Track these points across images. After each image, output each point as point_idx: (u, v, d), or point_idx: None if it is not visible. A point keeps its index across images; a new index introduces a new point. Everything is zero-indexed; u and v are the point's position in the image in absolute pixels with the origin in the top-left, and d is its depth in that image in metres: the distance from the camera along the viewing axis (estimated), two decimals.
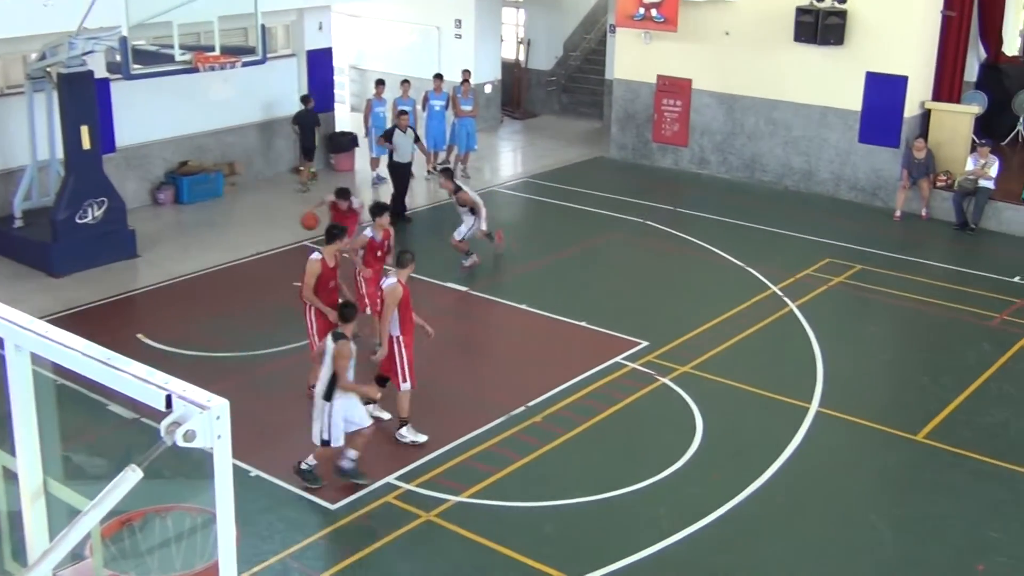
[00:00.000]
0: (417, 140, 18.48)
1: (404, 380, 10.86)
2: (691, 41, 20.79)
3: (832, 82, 19.50)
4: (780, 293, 15.09)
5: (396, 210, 16.76)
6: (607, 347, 13.25)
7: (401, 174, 18.29)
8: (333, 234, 11.68)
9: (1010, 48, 23.01)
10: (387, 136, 18.29)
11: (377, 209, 12.82)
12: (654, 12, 20.14)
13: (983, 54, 22.22)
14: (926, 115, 19.31)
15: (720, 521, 9.76)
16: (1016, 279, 15.88)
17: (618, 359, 12.92)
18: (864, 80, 19.21)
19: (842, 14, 18.97)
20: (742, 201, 19.61)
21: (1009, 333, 13.97)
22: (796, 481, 10.51)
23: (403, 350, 10.83)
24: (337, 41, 22.80)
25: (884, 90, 19.01)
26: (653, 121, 21.90)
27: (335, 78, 22.76)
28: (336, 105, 22.52)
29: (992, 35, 21.89)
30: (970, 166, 18.29)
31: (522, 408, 11.71)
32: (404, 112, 18.39)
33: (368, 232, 12.74)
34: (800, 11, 19.21)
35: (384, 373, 11.09)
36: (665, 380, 12.36)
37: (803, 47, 19.39)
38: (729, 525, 9.74)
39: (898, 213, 18.82)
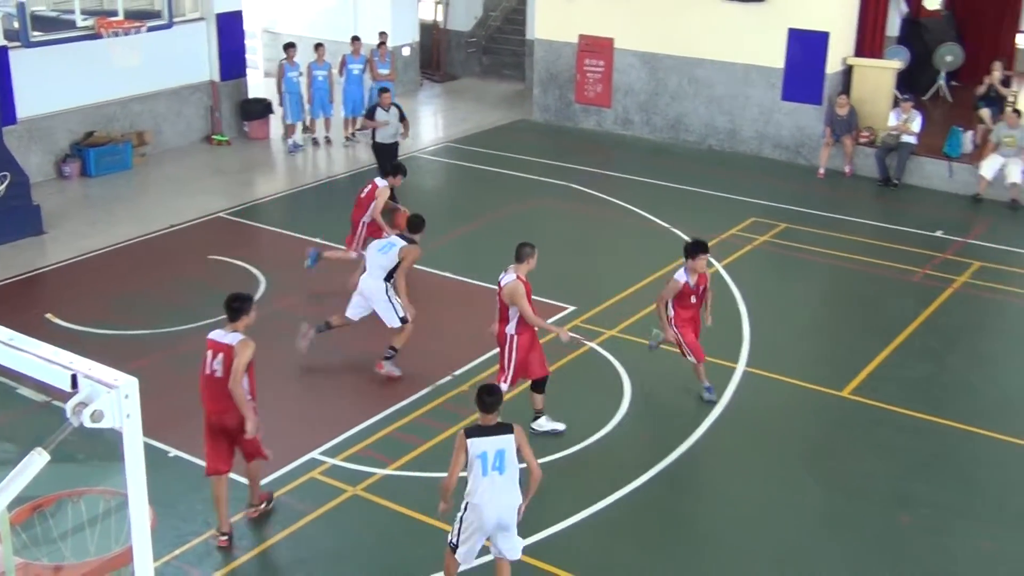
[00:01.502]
0: (403, 118, 17.37)
1: (505, 380, 10.33)
2: (613, 1, 20.85)
3: (754, 39, 19.72)
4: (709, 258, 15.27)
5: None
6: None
7: (387, 155, 16.95)
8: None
9: (931, 2, 23.47)
10: (369, 114, 17.54)
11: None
12: None
13: (904, 9, 22.66)
14: (848, 71, 19.64)
15: (650, 482, 9.93)
16: (938, 233, 16.28)
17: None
18: (786, 37, 19.46)
19: None
20: (667, 162, 19.80)
21: (931, 287, 14.34)
22: (724, 440, 10.73)
23: (514, 349, 10.32)
24: (249, 4, 22.42)
25: (806, 47, 19.27)
26: (576, 82, 21.96)
27: (247, 43, 22.40)
28: (248, 71, 22.18)
29: None
30: (893, 121, 18.65)
31: (448, 377, 11.76)
32: (386, 89, 17.87)
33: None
34: None
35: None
36: (592, 344, 12.48)
37: (725, 4, 19.57)
38: (659, 485, 9.92)
39: (822, 170, 19.15)
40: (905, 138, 18.43)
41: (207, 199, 17.20)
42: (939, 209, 17.50)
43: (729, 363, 12.11)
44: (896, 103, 19.03)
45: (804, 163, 19.64)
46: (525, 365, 10.34)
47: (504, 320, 10.31)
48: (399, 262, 11.52)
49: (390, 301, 11.55)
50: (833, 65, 19.32)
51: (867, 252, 15.58)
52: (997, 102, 19.25)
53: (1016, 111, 18.01)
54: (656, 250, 15.35)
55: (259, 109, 21.08)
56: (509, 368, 10.36)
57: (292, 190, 18.38)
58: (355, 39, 20.72)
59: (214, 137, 20.56)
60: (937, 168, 18.47)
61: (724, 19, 19.80)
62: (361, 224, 13.72)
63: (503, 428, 7.76)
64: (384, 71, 20.55)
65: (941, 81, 22.34)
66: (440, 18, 26.97)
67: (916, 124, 18.46)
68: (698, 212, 17.07)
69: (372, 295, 11.60)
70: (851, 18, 19.56)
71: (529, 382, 10.58)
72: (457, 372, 11.87)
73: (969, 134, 18.70)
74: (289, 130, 20.25)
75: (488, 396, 7.77)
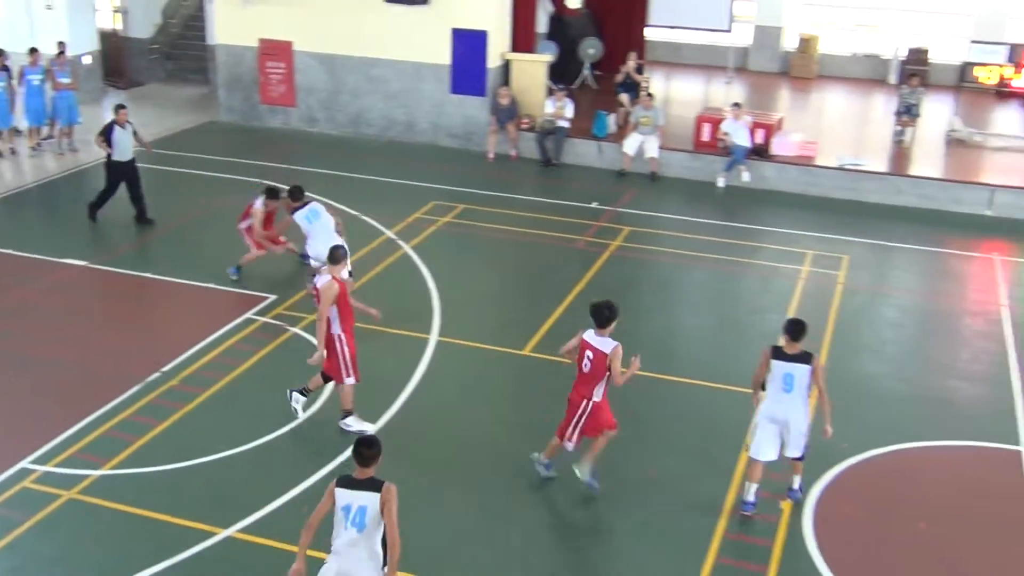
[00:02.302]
0: (135, 132, 15.81)
1: (348, 375, 10.04)
2: (289, 5, 20.49)
3: (422, 39, 19.97)
4: (394, 237, 15.44)
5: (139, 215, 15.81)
6: (237, 305, 12.99)
7: (123, 173, 15.47)
8: None
9: (572, 1, 24.62)
10: (106, 133, 15.27)
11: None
12: None
13: (550, 8, 23.62)
14: (507, 65, 20.28)
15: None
16: (594, 204, 17.21)
17: (248, 315, 12.71)
18: (450, 36, 19.84)
19: None
20: (351, 154, 19.76)
21: (592, 252, 15.16)
22: (423, 405, 10.88)
23: (345, 347, 9.94)
24: None
25: (468, 45, 19.75)
26: (259, 84, 21.43)
27: None
28: None
29: None
30: (548, 109, 19.48)
31: (157, 374, 11.26)
32: (123, 106, 15.85)
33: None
34: None
35: (328, 372, 10.18)
36: (295, 330, 12.32)
37: (394, 7, 19.66)
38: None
39: (491, 155, 19.74)
40: (560, 123, 19.31)
41: None
42: (593, 183, 18.47)
43: (424, 335, 12.31)
44: (550, 92, 19.88)
45: (475, 149, 20.16)
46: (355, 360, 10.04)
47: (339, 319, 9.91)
48: None
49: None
50: (493, 60, 19.91)
51: (535, 225, 16.24)
52: (633, 88, 20.53)
53: (649, 95, 19.28)
54: (349, 235, 15.29)
55: None
56: (347, 365, 10.01)
57: None
58: (32, 50, 19.21)
59: None
60: (588, 148, 19.49)
61: (394, 21, 19.92)
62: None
63: (372, 484, 6.83)
64: (64, 80, 19.17)
65: (586, 71, 23.56)
66: (119, 26, 25.50)
67: (568, 110, 19.38)
68: (384, 199, 17.16)
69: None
70: (505, 18, 20.18)
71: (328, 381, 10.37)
72: (165, 368, 11.38)
73: (612, 117, 19.85)
74: None
75: (366, 449, 6.85)
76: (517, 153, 19.75)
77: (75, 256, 14.36)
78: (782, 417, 8.91)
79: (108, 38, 24.84)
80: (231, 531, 8.71)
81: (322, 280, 9.93)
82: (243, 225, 13.61)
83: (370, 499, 6.80)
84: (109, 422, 10.32)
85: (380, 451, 6.92)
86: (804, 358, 8.85)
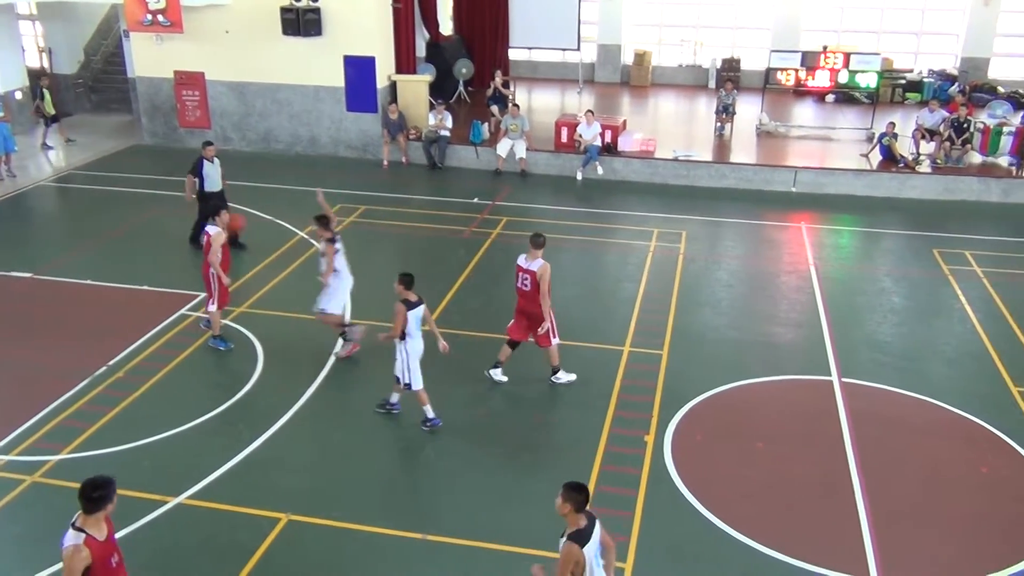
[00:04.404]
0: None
1: (555, 335, 10.27)
2: (199, 40, 19.79)
3: (319, 66, 19.58)
4: (306, 236, 15.13)
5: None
6: (171, 303, 12.56)
7: (215, 201, 13.66)
8: None
9: (445, 29, 24.48)
10: (195, 168, 14.10)
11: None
12: (160, 17, 18.82)
13: (427, 35, 23.44)
14: (393, 85, 20.06)
15: (288, 423, 9.78)
16: (475, 200, 17.20)
17: (183, 311, 12.31)
18: (343, 62, 19.51)
19: (317, 11, 19.02)
20: (264, 168, 19.25)
21: (477, 240, 15.16)
22: (338, 378, 10.75)
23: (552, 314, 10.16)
24: None
25: (359, 69, 19.46)
26: (177, 110, 20.68)
27: None
28: None
29: (431, 20, 23.13)
30: (431, 121, 19.34)
31: (104, 368, 10.81)
32: (210, 143, 14.54)
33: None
34: (283, 10, 18.97)
35: (518, 338, 10.38)
36: (225, 321, 11.97)
37: (291, 39, 19.21)
38: (293, 425, 9.80)
39: (385, 163, 19.51)
40: (442, 132, 19.20)
41: None
42: (473, 183, 18.46)
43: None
44: (432, 107, 19.75)
45: (371, 158, 19.90)
46: None
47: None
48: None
49: None
50: (381, 81, 19.66)
51: (428, 220, 16.16)
52: (502, 100, 20.56)
53: (516, 105, 19.33)
54: (266, 239, 14.95)
55: None
56: (553, 327, 10.31)
57: None
58: None
59: None
60: (467, 152, 19.46)
61: (293, 51, 19.46)
62: (211, 276, 11.20)
63: None
64: None
65: (461, 88, 23.47)
66: (46, 64, 24.21)
67: (448, 121, 19.28)
68: (295, 205, 16.78)
69: None
70: (389, 45, 19.94)
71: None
72: (111, 362, 10.94)
73: (486, 125, 19.85)
74: None
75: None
76: (407, 160, 19.58)
77: (22, 269, 13.66)
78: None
79: (37, 75, 23.54)
80: (181, 498, 8.46)
81: (538, 263, 10.02)
82: (213, 261, 11.35)
83: None
84: (64, 412, 9.88)
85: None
86: (420, 303, 9.47)
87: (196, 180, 14.12)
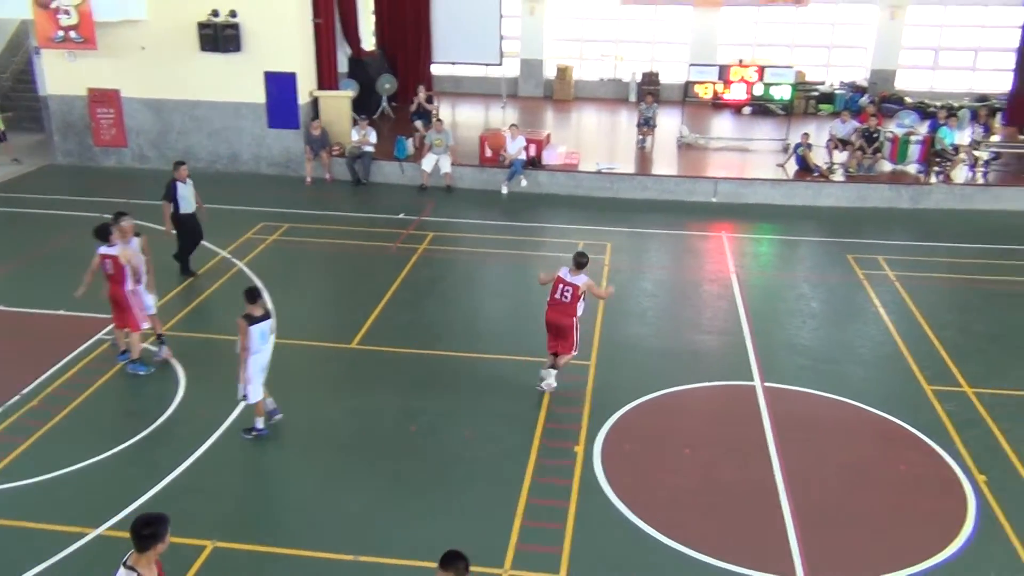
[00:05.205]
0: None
1: (575, 348, 10.60)
2: (114, 56, 19.30)
3: (239, 82, 19.29)
4: (229, 256, 14.85)
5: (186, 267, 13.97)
6: (89, 327, 12.16)
7: (188, 224, 13.86)
8: None
9: (368, 44, 24.37)
10: (169, 192, 13.66)
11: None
12: (72, 33, 18.32)
13: (349, 50, 23.30)
14: (315, 101, 19.87)
15: (212, 447, 9.56)
16: (401, 215, 17.12)
17: (100, 335, 11.94)
18: (264, 78, 19.25)
19: (235, 26, 18.74)
20: None
21: (404, 256, 15.08)
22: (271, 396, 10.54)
23: (578, 326, 10.54)
24: None
25: (280, 85, 19.23)
26: (92, 128, 20.11)
27: None
28: None
29: (353, 35, 23.01)
30: (354, 137, 19.21)
31: (17, 396, 10.41)
32: (182, 163, 13.90)
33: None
34: (201, 25, 18.65)
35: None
36: (145, 345, 11.65)
37: (210, 55, 18.89)
38: (217, 450, 9.58)
39: (309, 179, 19.29)
40: (366, 148, 19.09)
41: None
42: (399, 198, 18.37)
43: None
44: (355, 123, 19.62)
45: (294, 175, 19.66)
46: None
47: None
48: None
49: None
50: (303, 97, 19.47)
51: (353, 236, 16.01)
52: (426, 115, 20.54)
53: (439, 120, 19.34)
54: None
55: None
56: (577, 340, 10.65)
57: None
58: None
59: None
60: (392, 168, 19.37)
61: (212, 67, 19.13)
62: (127, 294, 10.89)
63: None
64: None
65: (384, 103, 23.39)
66: None
67: (372, 137, 19.18)
68: (217, 224, 16.40)
69: None
70: (310, 60, 19.76)
71: None
72: (25, 391, 10.53)
73: (410, 141, 19.79)
74: None
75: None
76: (331, 176, 19.39)
77: None
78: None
79: None
80: (100, 530, 8.17)
81: (583, 279, 10.45)
82: (128, 288, 10.88)
83: None
84: None
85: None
86: (267, 316, 9.37)
87: (171, 205, 13.63)
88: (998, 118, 21.57)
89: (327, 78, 20.40)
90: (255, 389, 9.50)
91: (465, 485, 9.00)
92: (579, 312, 10.45)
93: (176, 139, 19.96)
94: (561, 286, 10.41)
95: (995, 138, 19.40)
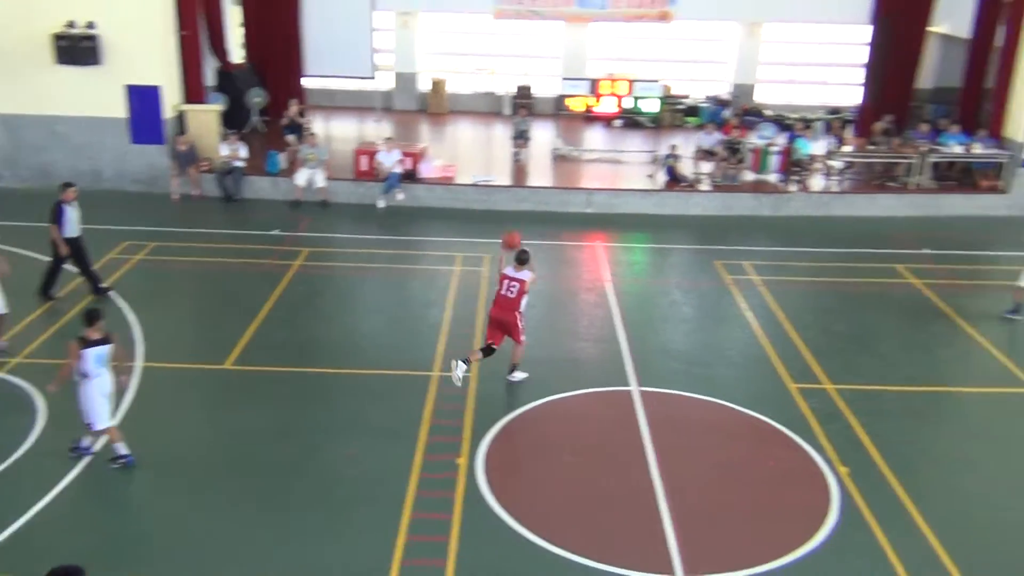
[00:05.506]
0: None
1: (523, 335, 11.12)
2: None
3: (99, 96, 18.47)
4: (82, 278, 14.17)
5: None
6: None
7: (76, 250, 13.48)
8: None
9: (236, 57, 23.78)
10: (56, 214, 13.16)
11: None
12: None
13: (216, 62, 22.67)
14: (182, 116, 19.25)
15: (74, 480, 9.10)
16: (275, 231, 16.75)
17: None
18: (126, 92, 18.52)
19: (93, 38, 17.96)
20: (42, 205, 17.66)
21: (278, 272, 14.76)
22: (127, 429, 10.08)
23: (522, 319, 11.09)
24: None
25: (143, 99, 18.54)
26: None
27: None
28: None
29: (220, 47, 22.40)
30: (224, 152, 18.71)
31: None
32: (71, 184, 13.38)
33: None
34: (57, 37, 17.79)
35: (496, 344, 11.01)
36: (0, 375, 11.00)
37: (67, 68, 18.03)
38: (79, 482, 9.12)
39: (176, 196, 18.65)
40: (236, 163, 18.62)
41: None
42: (272, 214, 17.97)
43: (129, 363, 11.41)
44: (224, 137, 19.11)
45: (160, 192, 18.94)
46: None
47: None
48: None
49: None
50: (168, 111, 18.82)
51: (224, 254, 15.56)
52: (298, 129, 20.19)
53: (312, 134, 19.06)
54: (37, 281, 13.88)
55: None
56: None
57: None
58: None
59: None
60: (264, 183, 18.94)
61: (69, 81, 18.24)
62: None
63: None
64: None
65: (255, 117, 22.87)
66: None
67: (242, 152, 18.72)
68: None
69: None
70: (175, 73, 19.13)
71: None
72: None
73: (283, 155, 19.42)
74: None
75: None
76: (200, 192, 18.80)
77: None
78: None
79: None
80: None
81: (529, 275, 11.08)
82: None
83: None
84: None
85: None
86: (107, 340, 9.09)
87: (58, 227, 13.15)
88: (849, 130, 22.88)
89: (194, 91, 19.78)
90: (101, 415, 9.12)
91: (347, 503, 8.86)
92: (522, 307, 10.95)
93: (31, 156, 18.94)
94: (507, 282, 10.90)
95: (847, 148, 20.56)
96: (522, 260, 10.96)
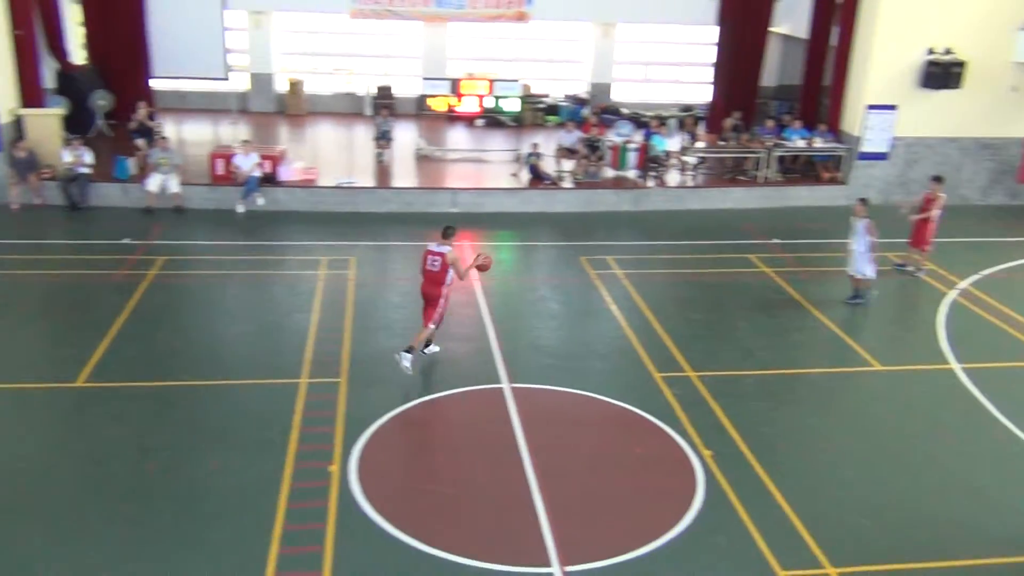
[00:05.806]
0: None
1: (438, 322, 11.48)
2: None
3: None
4: None
5: None
6: None
7: None
8: None
9: (78, 58, 22.56)
10: None
11: None
12: None
13: (55, 64, 21.45)
14: (19, 120, 18.11)
15: None
16: (125, 241, 15.99)
17: None
18: None
19: None
20: None
21: (131, 283, 14.10)
22: (45, 454, 9.44)
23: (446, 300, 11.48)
24: None
25: None
26: None
27: None
28: None
29: (59, 48, 21.21)
30: (67, 158, 17.73)
31: None
32: None
33: None
34: None
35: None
36: None
37: None
38: None
39: (15, 206, 17.52)
40: (80, 170, 17.66)
41: None
42: (122, 222, 17.14)
43: None
44: (67, 142, 18.09)
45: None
46: None
47: None
48: None
49: None
50: (4, 116, 17.67)
51: (70, 265, 14.74)
52: (148, 133, 19.34)
53: (164, 138, 18.30)
54: None
55: None
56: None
57: None
58: None
59: None
60: (113, 190, 18.04)
61: None
62: None
63: None
64: None
65: (100, 121, 21.76)
66: None
67: (87, 157, 17.79)
68: None
69: None
70: (10, 75, 18.00)
71: None
72: None
73: (132, 160, 18.55)
74: None
75: None
76: (43, 201, 17.73)
77: None
78: None
79: None
80: None
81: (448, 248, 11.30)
82: None
83: None
84: None
85: None
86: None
87: None
88: (701, 126, 23.79)
89: (31, 95, 18.66)
90: None
91: (214, 519, 8.56)
92: (448, 281, 11.29)
93: None
94: (430, 257, 11.31)
95: (700, 144, 21.37)
96: (446, 234, 11.32)
